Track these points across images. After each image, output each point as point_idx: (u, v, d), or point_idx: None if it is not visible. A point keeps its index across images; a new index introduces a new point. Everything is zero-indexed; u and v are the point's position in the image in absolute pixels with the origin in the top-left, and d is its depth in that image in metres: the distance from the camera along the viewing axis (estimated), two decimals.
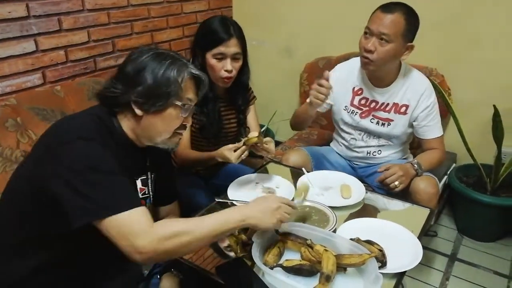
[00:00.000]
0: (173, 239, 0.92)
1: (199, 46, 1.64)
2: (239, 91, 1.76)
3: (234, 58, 1.60)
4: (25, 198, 1.03)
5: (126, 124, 1.11)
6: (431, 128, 1.76)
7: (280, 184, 1.58)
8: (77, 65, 1.95)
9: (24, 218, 1.04)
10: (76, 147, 0.96)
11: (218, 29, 1.58)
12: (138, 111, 1.07)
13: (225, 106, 1.77)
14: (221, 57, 1.59)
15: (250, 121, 1.85)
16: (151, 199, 1.26)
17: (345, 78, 1.85)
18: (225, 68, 1.59)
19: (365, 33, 1.65)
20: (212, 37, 1.58)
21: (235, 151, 1.45)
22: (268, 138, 1.55)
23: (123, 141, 1.11)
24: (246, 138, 1.46)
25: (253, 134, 1.47)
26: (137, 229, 0.91)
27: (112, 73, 1.14)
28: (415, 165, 1.68)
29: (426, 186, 1.64)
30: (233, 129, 1.81)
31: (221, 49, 1.57)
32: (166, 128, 1.11)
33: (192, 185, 1.71)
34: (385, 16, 1.58)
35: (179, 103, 1.09)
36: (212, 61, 1.59)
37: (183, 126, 1.15)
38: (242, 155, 1.45)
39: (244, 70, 1.69)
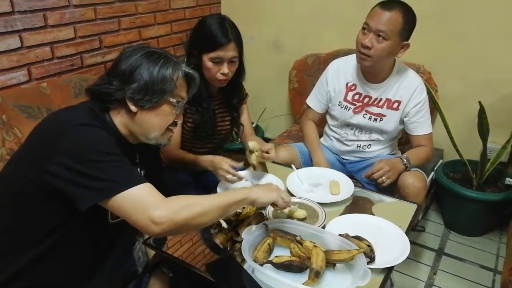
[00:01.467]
0: (188, 208, 0.97)
1: (195, 47, 1.61)
2: (233, 90, 1.75)
3: (231, 61, 1.59)
4: (16, 196, 1.01)
5: (118, 120, 1.12)
6: (421, 124, 1.78)
7: (269, 181, 1.58)
8: (63, 62, 1.92)
9: (17, 212, 1.03)
10: (78, 132, 0.97)
11: (217, 33, 1.54)
12: (133, 107, 1.08)
13: (219, 105, 1.77)
14: (218, 61, 1.56)
15: (244, 121, 1.85)
16: None
17: (338, 74, 1.86)
18: (222, 72, 1.58)
19: (363, 28, 1.65)
20: (210, 41, 1.55)
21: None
22: (269, 145, 1.58)
23: (115, 136, 1.11)
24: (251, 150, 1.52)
25: (254, 144, 1.53)
26: (152, 200, 0.95)
27: (99, 70, 1.14)
28: (404, 159, 1.70)
29: (414, 180, 1.66)
30: (227, 127, 1.81)
31: (219, 53, 1.55)
32: (160, 124, 1.13)
33: (182, 182, 1.70)
34: (383, 13, 1.59)
35: (173, 100, 1.11)
36: (209, 64, 1.57)
37: (174, 123, 1.17)
38: (229, 177, 1.48)
39: (239, 71, 1.68)
